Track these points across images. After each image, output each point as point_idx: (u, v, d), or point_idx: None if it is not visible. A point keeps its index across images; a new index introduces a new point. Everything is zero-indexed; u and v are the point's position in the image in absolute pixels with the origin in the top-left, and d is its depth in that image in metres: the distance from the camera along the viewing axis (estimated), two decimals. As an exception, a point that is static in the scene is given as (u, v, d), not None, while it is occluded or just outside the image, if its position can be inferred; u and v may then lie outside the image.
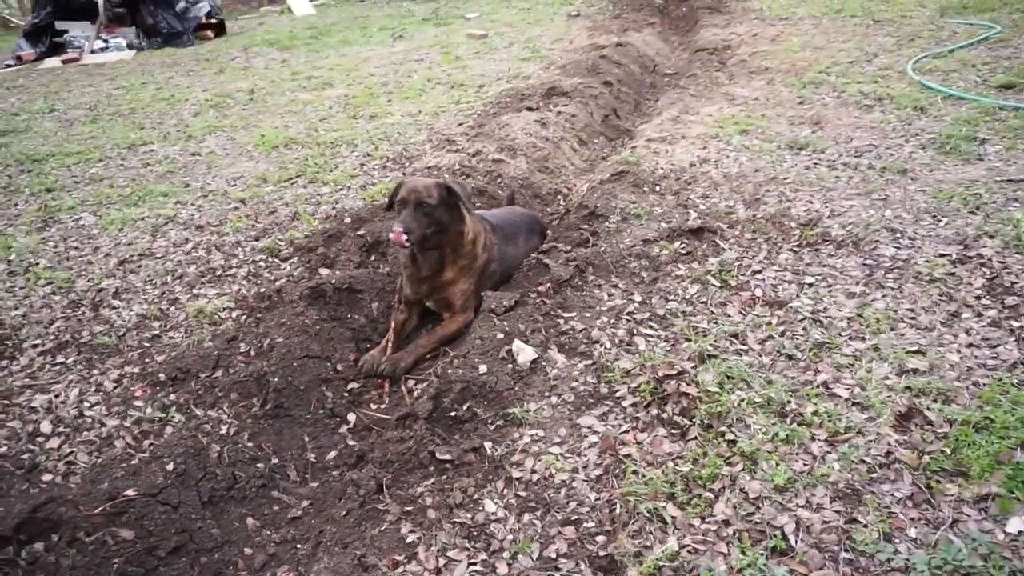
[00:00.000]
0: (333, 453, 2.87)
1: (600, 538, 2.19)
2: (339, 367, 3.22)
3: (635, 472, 2.40)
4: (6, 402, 3.05)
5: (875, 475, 2.27)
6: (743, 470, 2.34)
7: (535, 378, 2.91)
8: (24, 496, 2.51)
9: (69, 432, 2.88)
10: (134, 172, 6.08)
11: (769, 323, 3.11)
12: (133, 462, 2.67)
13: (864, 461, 2.32)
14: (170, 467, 2.58)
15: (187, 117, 7.95)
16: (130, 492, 2.45)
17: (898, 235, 3.72)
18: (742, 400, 2.64)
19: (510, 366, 2.94)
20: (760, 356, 2.92)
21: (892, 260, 3.49)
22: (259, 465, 2.73)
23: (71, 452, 2.77)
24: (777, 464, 2.35)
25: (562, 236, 4.25)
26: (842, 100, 6.08)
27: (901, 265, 3.44)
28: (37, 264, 4.31)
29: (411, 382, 3.20)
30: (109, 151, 6.72)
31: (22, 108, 8.98)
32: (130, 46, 13.80)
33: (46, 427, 2.90)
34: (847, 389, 2.67)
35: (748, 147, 5.20)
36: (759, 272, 3.53)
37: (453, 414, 2.73)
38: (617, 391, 2.80)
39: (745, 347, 2.98)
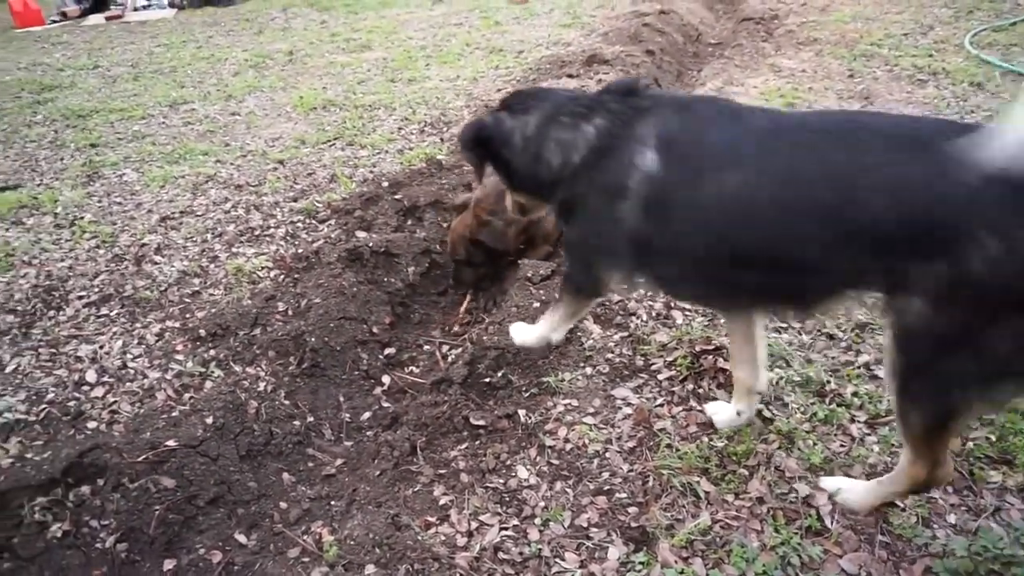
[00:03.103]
0: (367, 414, 2.91)
1: (632, 509, 2.20)
2: (375, 329, 3.24)
3: (669, 446, 2.39)
4: (53, 350, 3.13)
5: (915, 459, 2.23)
6: (779, 448, 2.32)
7: (570, 348, 2.90)
8: (70, 441, 2.59)
9: (113, 382, 2.95)
10: (175, 130, 6.13)
11: (810, 301, 3.05)
12: (174, 414, 2.73)
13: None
14: (209, 420, 2.64)
15: (227, 76, 7.97)
16: (171, 443, 2.52)
17: (949, 216, 3.60)
18: (780, 378, 2.60)
19: (545, 335, 2.93)
20: (800, 334, 2.87)
21: (941, 241, 3.38)
22: (295, 422, 2.78)
23: (115, 401, 2.84)
24: (814, 444, 2.32)
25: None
26: (894, 74, 5.86)
27: (951, 247, 3.33)
28: (82, 218, 4.39)
29: (445, 347, 3.21)
30: (151, 109, 6.78)
31: (67, 64, 9.09)
32: (172, 4, 13.83)
33: (91, 376, 2.97)
34: (889, 371, 2.61)
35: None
36: (802, 249, 3.45)
37: (488, 380, 2.74)
38: (653, 364, 2.78)
39: (785, 325, 2.93)
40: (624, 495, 2.25)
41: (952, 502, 2.09)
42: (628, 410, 2.58)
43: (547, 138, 2.11)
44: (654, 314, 3.06)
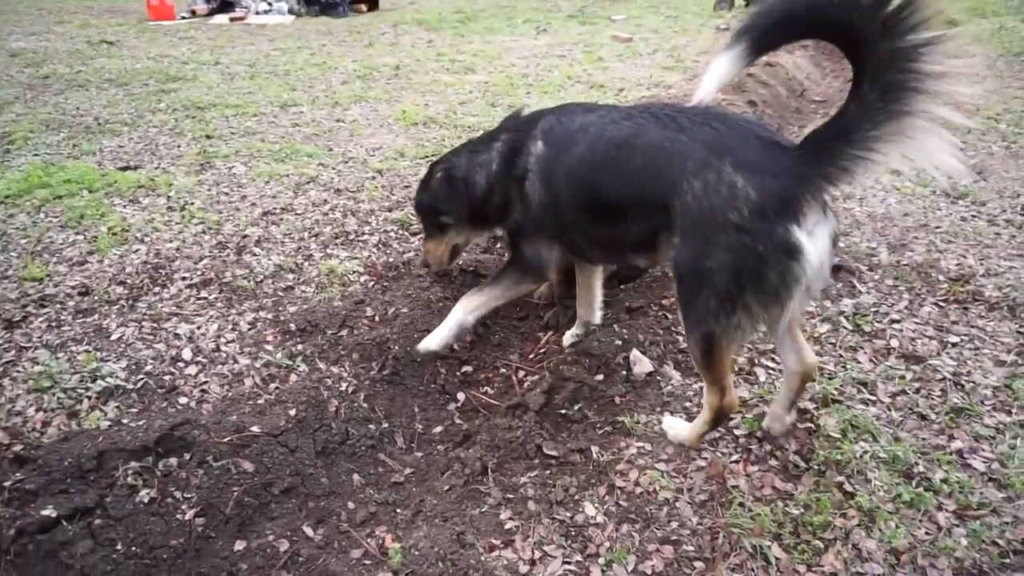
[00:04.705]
0: (439, 428, 2.95)
1: (698, 564, 2.16)
2: (455, 346, 3.30)
3: (741, 504, 2.34)
4: (155, 325, 3.32)
5: (1008, 561, 2.11)
6: (859, 525, 2.24)
7: (648, 391, 2.88)
8: (163, 413, 2.74)
9: (206, 363, 3.10)
10: (283, 130, 6.44)
11: (903, 377, 2.94)
12: (259, 401, 2.85)
13: (996, 543, 2.16)
14: (292, 412, 2.74)
15: (335, 84, 8.33)
16: (255, 428, 2.63)
17: (1062, 306, 3.41)
18: (865, 452, 2.52)
19: (624, 373, 2.92)
20: (889, 410, 2.77)
21: (1052, 332, 3.21)
22: (370, 426, 2.85)
23: (206, 381, 2.99)
24: (897, 527, 2.23)
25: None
26: (1012, 151, 5.62)
27: (1062, 339, 3.16)
28: (192, 203, 4.65)
29: (522, 372, 3.24)
30: (263, 107, 7.14)
31: (191, 58, 9.69)
32: (290, 11, 14.60)
33: (187, 354, 3.14)
34: (984, 462, 2.49)
35: (899, 188, 4.91)
36: (897, 322, 3.33)
37: (563, 412, 2.75)
38: (731, 419, 2.73)
39: (874, 398, 2.83)
40: (691, 548, 2.21)
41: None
42: (702, 462, 2.54)
43: (472, 165, 2.96)
44: (736, 368, 3.01)
